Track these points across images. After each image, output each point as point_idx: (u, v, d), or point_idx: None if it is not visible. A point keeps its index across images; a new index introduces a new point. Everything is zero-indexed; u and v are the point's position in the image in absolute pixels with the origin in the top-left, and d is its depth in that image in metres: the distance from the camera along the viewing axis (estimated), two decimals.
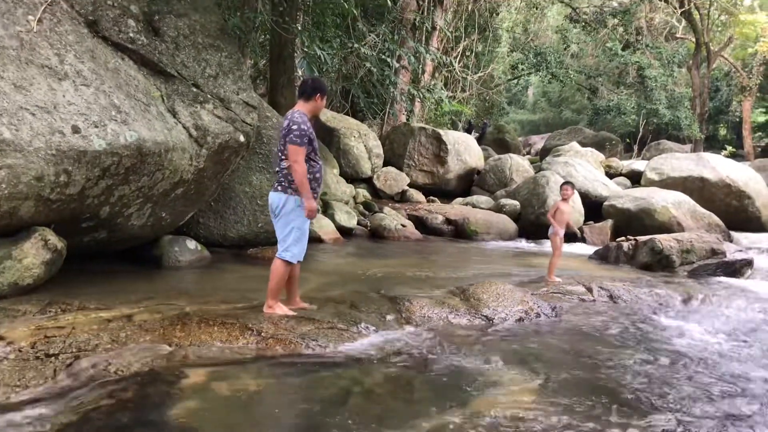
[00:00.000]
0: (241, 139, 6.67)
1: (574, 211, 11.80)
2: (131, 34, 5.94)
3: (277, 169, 4.57)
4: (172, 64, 6.26)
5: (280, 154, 4.53)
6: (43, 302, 4.39)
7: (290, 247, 4.50)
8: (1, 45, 4.59)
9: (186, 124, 6.03)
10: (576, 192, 12.99)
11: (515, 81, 33.97)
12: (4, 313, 4.11)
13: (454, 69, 21.44)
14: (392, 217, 11.86)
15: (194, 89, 6.38)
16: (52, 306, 4.32)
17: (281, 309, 4.53)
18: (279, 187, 4.50)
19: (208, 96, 6.48)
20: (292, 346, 3.94)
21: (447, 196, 15.69)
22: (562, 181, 7.61)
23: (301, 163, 4.37)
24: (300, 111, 4.54)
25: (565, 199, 6.88)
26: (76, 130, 4.69)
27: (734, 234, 12.25)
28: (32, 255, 4.70)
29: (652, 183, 14.67)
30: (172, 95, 6.10)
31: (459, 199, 15.03)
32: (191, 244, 6.89)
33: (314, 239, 9.68)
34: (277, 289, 4.55)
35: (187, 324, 4.05)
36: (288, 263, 4.52)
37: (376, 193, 14.60)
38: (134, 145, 5.11)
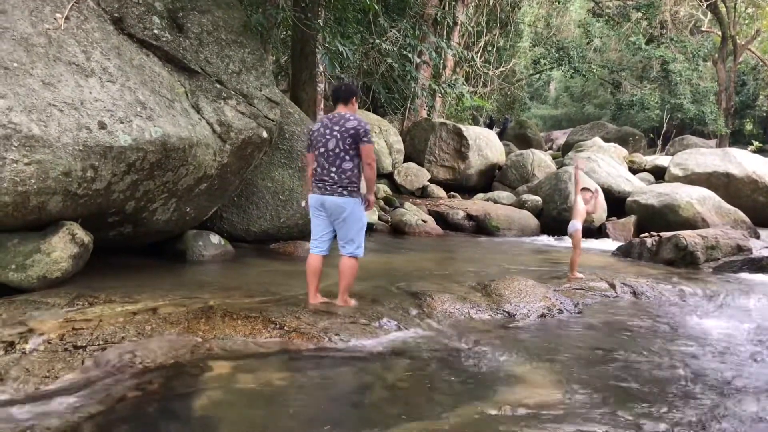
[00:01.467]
0: (264, 134, 6.71)
1: (599, 208, 11.71)
2: (156, 31, 6.01)
3: (334, 170, 4.60)
4: (195, 60, 6.32)
5: (344, 155, 4.58)
6: (70, 295, 4.47)
7: (361, 244, 4.80)
8: (30, 42, 4.67)
9: (210, 120, 6.08)
10: (599, 187, 12.92)
11: (537, 76, 33.72)
12: (34, 305, 4.19)
13: (476, 64, 21.34)
14: (413, 213, 11.86)
15: (218, 85, 6.43)
16: (80, 299, 4.40)
17: (352, 302, 4.84)
18: (345, 192, 4.60)
19: (232, 92, 6.53)
20: (314, 340, 3.97)
21: (468, 191, 15.64)
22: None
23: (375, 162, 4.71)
24: (349, 113, 4.72)
25: (585, 201, 6.84)
26: (102, 125, 4.76)
27: (761, 230, 12.06)
28: (60, 249, 4.78)
29: (676, 179, 14.49)
30: (196, 91, 6.16)
31: (480, 195, 14.97)
32: (215, 238, 6.96)
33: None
34: (352, 285, 4.87)
35: (212, 317, 4.10)
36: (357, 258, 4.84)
37: (396, 188, 14.61)
38: (159, 141, 5.17)
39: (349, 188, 4.60)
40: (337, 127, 4.60)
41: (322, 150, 4.65)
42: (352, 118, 4.61)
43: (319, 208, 4.74)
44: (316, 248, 4.86)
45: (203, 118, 6.03)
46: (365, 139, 4.57)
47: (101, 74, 5.02)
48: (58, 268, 4.77)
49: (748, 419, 3.16)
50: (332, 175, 4.60)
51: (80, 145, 4.58)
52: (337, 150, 4.58)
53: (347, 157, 4.57)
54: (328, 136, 4.62)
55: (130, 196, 5.30)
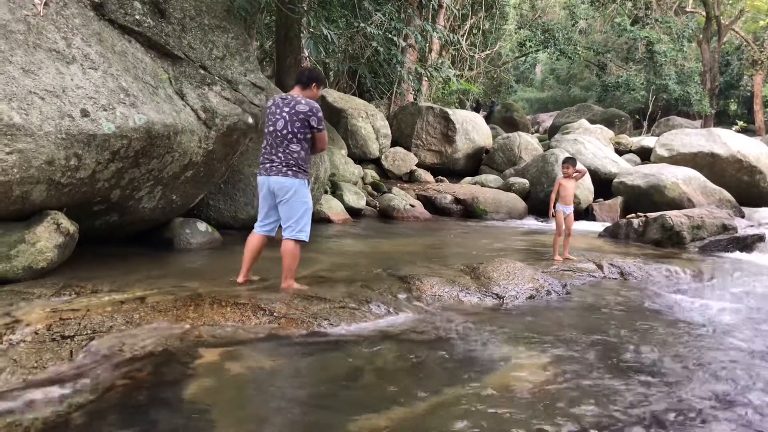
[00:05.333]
0: (250, 120, 6.66)
1: (579, 186, 11.73)
2: (137, 17, 5.92)
3: (281, 151, 4.61)
4: (179, 46, 6.23)
5: (292, 137, 4.58)
6: (57, 285, 4.43)
7: (305, 227, 4.68)
8: (9, 29, 4.58)
9: (194, 107, 6.02)
10: (585, 169, 12.97)
11: (523, 58, 33.64)
12: (20, 296, 4.15)
13: (461, 47, 21.25)
14: (401, 198, 11.86)
15: (202, 71, 6.36)
16: (66, 289, 4.37)
17: (297, 286, 4.72)
18: (290, 172, 4.58)
19: (216, 78, 6.47)
20: (304, 326, 3.96)
21: (455, 175, 15.66)
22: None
23: None
24: (304, 98, 4.69)
25: (566, 176, 6.80)
26: (85, 113, 4.70)
27: (746, 209, 12.19)
28: (45, 239, 4.73)
29: (662, 159, 14.58)
30: (179, 77, 6.09)
31: (468, 179, 14.99)
32: (202, 226, 6.92)
33: (323, 220, 9.71)
34: (296, 269, 4.76)
35: (200, 305, 4.08)
36: (300, 242, 4.69)
37: (384, 173, 14.59)
38: (143, 128, 5.12)
39: (294, 169, 4.59)
40: (287, 109, 4.60)
41: (271, 129, 4.66)
42: (303, 102, 4.60)
43: (264, 190, 4.72)
44: (259, 227, 4.86)
45: (187, 104, 5.97)
46: (320, 127, 4.64)
47: (83, 61, 4.94)
48: (43, 258, 4.72)
49: (736, 397, 3.20)
50: (279, 155, 4.61)
51: (63, 134, 4.52)
52: (285, 131, 4.59)
53: (295, 140, 4.58)
54: (277, 116, 4.61)
55: (115, 184, 5.25)
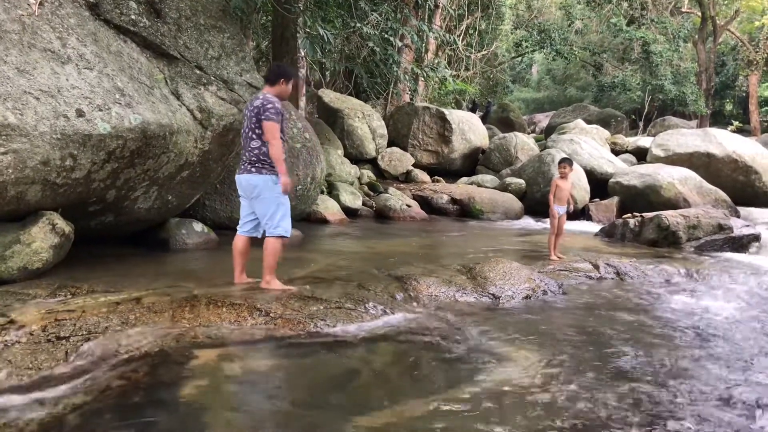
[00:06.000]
0: None
1: (575, 186, 11.74)
2: (133, 17, 5.90)
3: (247, 149, 4.64)
4: (174, 46, 6.22)
5: (251, 133, 4.59)
6: (52, 286, 4.42)
7: (280, 223, 4.66)
8: (3, 29, 4.57)
9: (190, 107, 6.01)
10: (581, 169, 12.98)
11: (519, 59, 33.68)
12: (15, 297, 4.14)
13: (458, 47, 21.26)
14: (397, 198, 11.85)
15: (197, 71, 6.34)
16: (62, 290, 4.35)
17: (277, 284, 4.70)
18: (253, 169, 4.58)
19: (212, 78, 6.45)
20: (300, 326, 3.96)
21: (452, 175, 15.65)
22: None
23: (279, 140, 4.54)
24: (269, 94, 4.65)
25: (562, 177, 6.81)
26: (80, 113, 4.68)
27: (741, 209, 12.21)
28: (40, 239, 4.72)
29: (657, 159, 14.60)
30: (175, 77, 6.08)
31: (464, 179, 14.99)
32: (198, 226, 6.90)
33: (320, 220, 9.71)
34: (274, 265, 4.71)
35: (196, 306, 4.07)
36: (281, 238, 4.68)
37: (380, 173, 14.57)
38: (139, 128, 5.10)
39: (257, 165, 4.57)
40: (250, 107, 4.64)
41: (241, 131, 4.74)
42: (260, 97, 4.60)
43: (239, 189, 4.74)
44: (240, 228, 4.85)
45: (183, 104, 5.95)
46: (262, 117, 4.51)
47: (78, 61, 4.93)
48: (38, 258, 4.71)
49: (731, 397, 3.20)
50: (246, 153, 4.65)
51: (58, 134, 4.51)
52: (247, 130, 4.63)
53: (254, 136, 4.58)
54: (245, 117, 4.67)
55: (110, 184, 5.23)
